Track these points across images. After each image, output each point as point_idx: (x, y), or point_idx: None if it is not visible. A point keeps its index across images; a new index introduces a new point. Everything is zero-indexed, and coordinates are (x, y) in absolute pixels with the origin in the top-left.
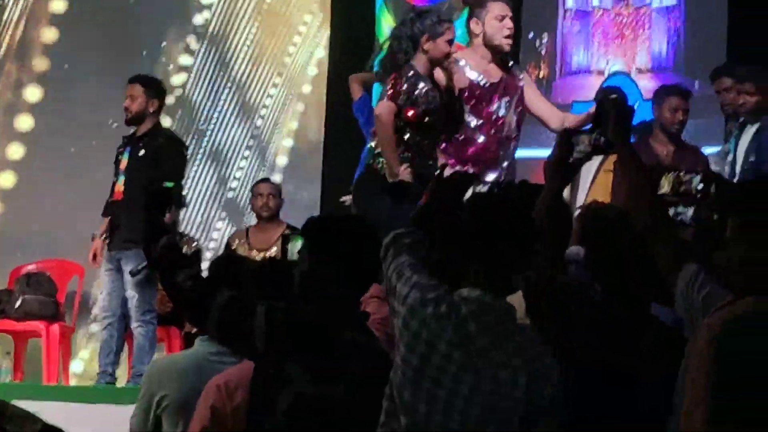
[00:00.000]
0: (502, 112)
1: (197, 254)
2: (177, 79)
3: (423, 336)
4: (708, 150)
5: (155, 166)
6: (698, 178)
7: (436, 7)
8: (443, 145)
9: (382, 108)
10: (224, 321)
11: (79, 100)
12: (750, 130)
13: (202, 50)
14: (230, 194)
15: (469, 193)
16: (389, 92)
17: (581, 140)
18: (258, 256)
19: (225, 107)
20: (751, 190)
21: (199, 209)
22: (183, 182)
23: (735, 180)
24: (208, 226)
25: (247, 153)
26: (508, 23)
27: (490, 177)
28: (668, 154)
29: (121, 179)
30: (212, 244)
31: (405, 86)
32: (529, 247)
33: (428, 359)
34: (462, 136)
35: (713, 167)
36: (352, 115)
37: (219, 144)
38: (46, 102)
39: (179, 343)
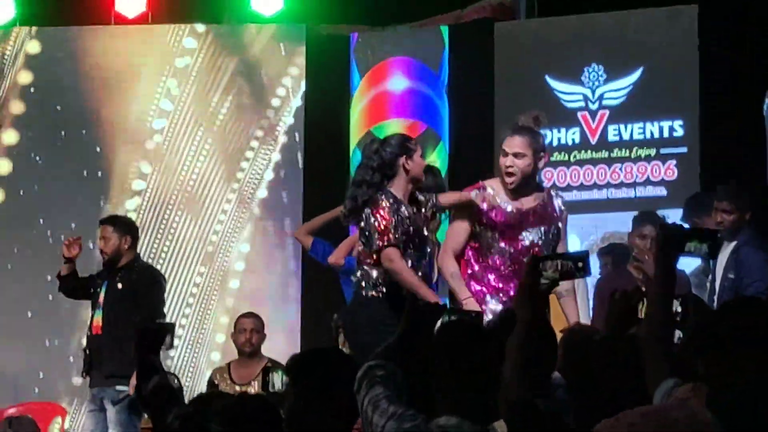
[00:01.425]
0: (533, 240)
1: (180, 391)
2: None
3: None
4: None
5: (133, 300)
6: (677, 302)
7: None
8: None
9: (390, 255)
10: None
11: None
12: (727, 248)
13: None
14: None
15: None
16: (384, 238)
17: (548, 266)
18: (239, 390)
19: None
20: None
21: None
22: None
23: (715, 297)
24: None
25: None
26: (507, 161)
27: None
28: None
29: (99, 314)
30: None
31: (392, 219)
32: (498, 373)
33: None
34: (492, 264)
35: (695, 284)
36: None
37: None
38: None
39: None
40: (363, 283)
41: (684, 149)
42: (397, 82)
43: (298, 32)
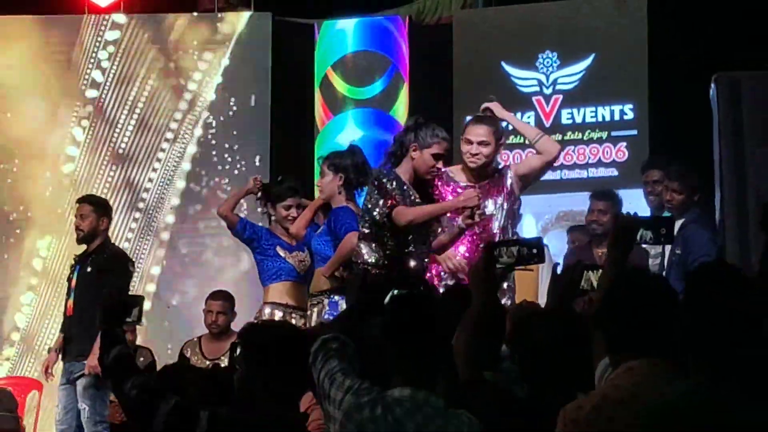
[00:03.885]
0: (489, 210)
1: (152, 365)
2: None
3: None
4: None
5: (99, 283)
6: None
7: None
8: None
9: (399, 212)
10: (168, 427)
11: None
12: (676, 225)
13: None
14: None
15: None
16: (388, 203)
17: (504, 252)
18: (208, 364)
19: None
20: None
21: None
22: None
23: (664, 272)
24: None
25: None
26: (473, 148)
27: None
28: (602, 255)
29: (72, 296)
30: None
31: (391, 185)
32: (448, 344)
33: None
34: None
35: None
36: None
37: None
38: None
39: None
40: (358, 259)
41: (634, 132)
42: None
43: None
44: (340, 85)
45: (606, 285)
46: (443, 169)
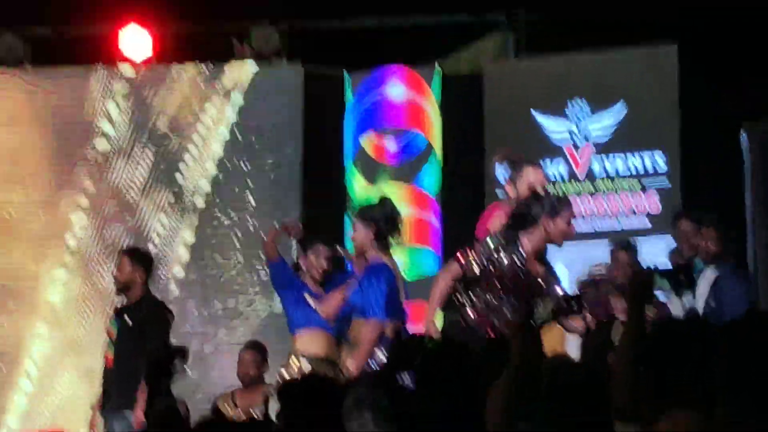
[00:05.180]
0: None
1: (187, 417)
2: None
3: None
4: None
5: (141, 336)
6: None
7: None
8: None
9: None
10: None
11: None
12: (709, 276)
13: None
14: None
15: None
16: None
17: (539, 306)
18: (243, 417)
19: None
20: None
21: None
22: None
23: None
24: None
25: None
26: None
27: None
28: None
29: (111, 349)
30: None
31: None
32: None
33: None
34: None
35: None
36: None
37: None
38: None
39: None
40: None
41: (666, 181)
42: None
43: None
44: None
45: (625, 341)
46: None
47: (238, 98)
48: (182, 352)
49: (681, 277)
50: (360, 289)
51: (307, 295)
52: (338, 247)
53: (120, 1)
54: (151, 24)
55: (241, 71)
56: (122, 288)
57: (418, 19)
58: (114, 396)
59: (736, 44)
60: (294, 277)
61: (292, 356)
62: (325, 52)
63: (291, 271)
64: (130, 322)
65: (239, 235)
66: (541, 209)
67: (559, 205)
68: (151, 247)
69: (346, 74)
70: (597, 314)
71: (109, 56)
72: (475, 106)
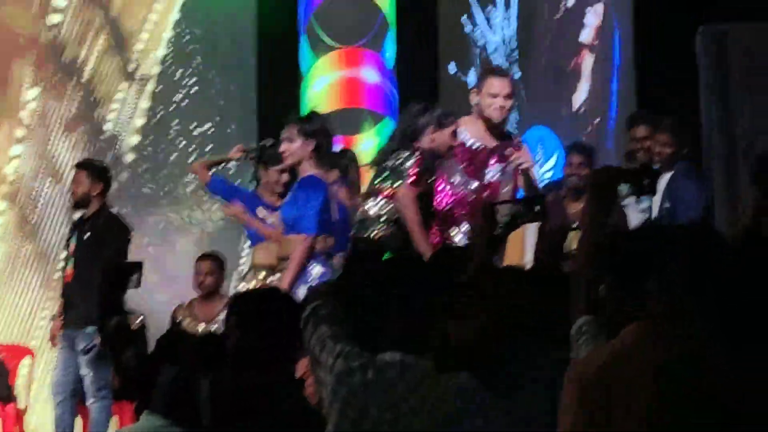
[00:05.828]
0: (495, 177)
1: (142, 330)
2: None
3: (353, 402)
4: None
5: (99, 248)
6: None
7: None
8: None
9: (405, 194)
10: (170, 396)
11: None
12: (664, 178)
13: None
14: None
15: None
16: (412, 178)
17: (502, 212)
18: (203, 327)
19: None
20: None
21: None
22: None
23: None
24: None
25: None
26: (500, 101)
27: None
28: (576, 212)
29: (71, 262)
30: None
31: (423, 167)
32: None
33: (360, 424)
34: (453, 198)
35: (633, 216)
36: None
37: None
38: None
39: (131, 417)
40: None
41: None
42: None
43: None
44: (324, 36)
45: (586, 245)
46: (457, 122)
47: None
48: (138, 266)
49: (645, 181)
50: (294, 203)
51: (261, 208)
52: None
53: None
54: None
55: None
56: (79, 202)
57: None
58: (74, 310)
59: None
60: (238, 189)
61: (251, 269)
62: None
63: (230, 184)
64: (88, 234)
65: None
66: (428, 121)
67: (444, 117)
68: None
69: None
70: (554, 220)
71: None
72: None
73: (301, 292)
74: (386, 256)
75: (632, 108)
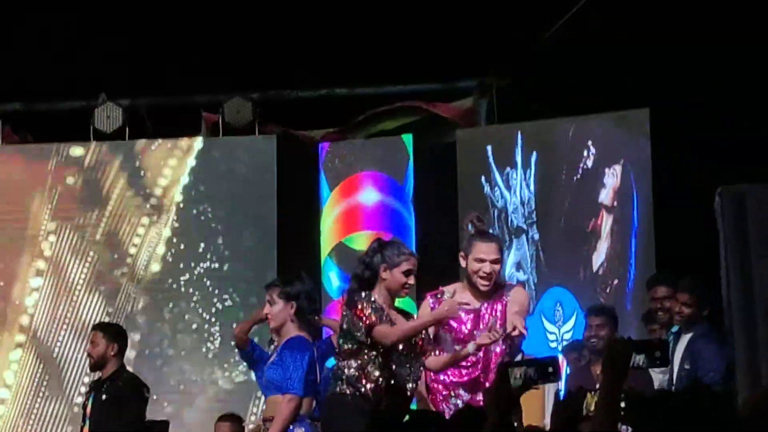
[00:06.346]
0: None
1: None
2: None
3: None
4: None
5: (116, 411)
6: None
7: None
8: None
9: (381, 332)
10: None
11: None
12: (684, 339)
13: None
14: None
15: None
16: (367, 321)
17: (517, 373)
18: None
19: None
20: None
21: None
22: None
23: (673, 388)
24: None
25: None
26: (486, 268)
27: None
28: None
29: (87, 424)
30: None
31: (364, 306)
32: None
33: None
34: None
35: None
36: None
37: None
38: None
39: None
40: (338, 380)
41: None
42: (368, 196)
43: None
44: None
45: (603, 410)
46: (440, 288)
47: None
48: (164, 426)
49: (657, 353)
50: (281, 363)
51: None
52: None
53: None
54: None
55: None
56: (96, 364)
57: (389, 88)
58: None
59: (709, 108)
60: (262, 352)
61: (264, 421)
62: (298, 122)
63: (259, 349)
64: (104, 396)
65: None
66: (379, 259)
67: (399, 256)
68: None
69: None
70: (576, 381)
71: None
72: (449, 170)
73: None
74: (406, 417)
75: (651, 269)
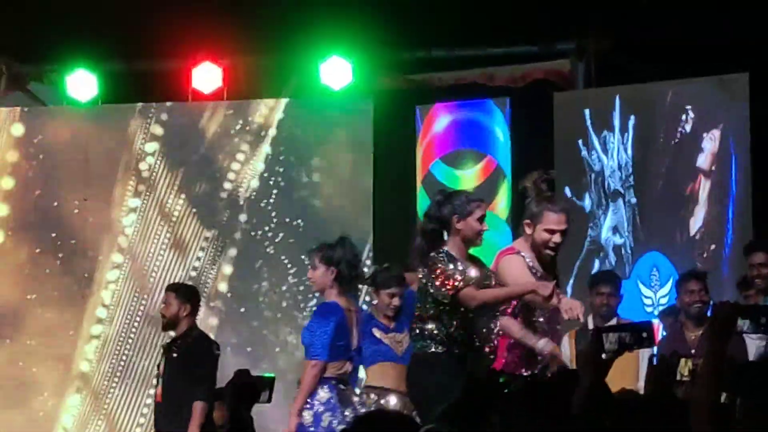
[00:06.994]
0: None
1: None
2: None
3: None
4: None
5: (188, 369)
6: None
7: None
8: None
9: (468, 294)
10: None
11: None
12: None
13: None
14: None
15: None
16: (449, 284)
17: (609, 338)
18: None
19: None
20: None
21: None
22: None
23: None
24: None
25: None
26: (557, 238)
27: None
28: (695, 338)
29: (160, 383)
30: None
31: (447, 266)
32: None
33: None
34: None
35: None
36: None
37: None
38: None
39: None
40: (419, 341)
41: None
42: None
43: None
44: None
45: (707, 373)
46: (515, 248)
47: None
48: (269, 382)
49: (763, 319)
50: (309, 328)
51: (375, 330)
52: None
53: (193, 39)
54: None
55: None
56: (169, 324)
57: (489, 50)
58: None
59: None
60: (361, 313)
61: (365, 391)
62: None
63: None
64: (176, 355)
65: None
66: (449, 210)
67: (469, 205)
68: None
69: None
70: (669, 346)
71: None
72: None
73: (307, 416)
74: (501, 379)
75: (749, 234)
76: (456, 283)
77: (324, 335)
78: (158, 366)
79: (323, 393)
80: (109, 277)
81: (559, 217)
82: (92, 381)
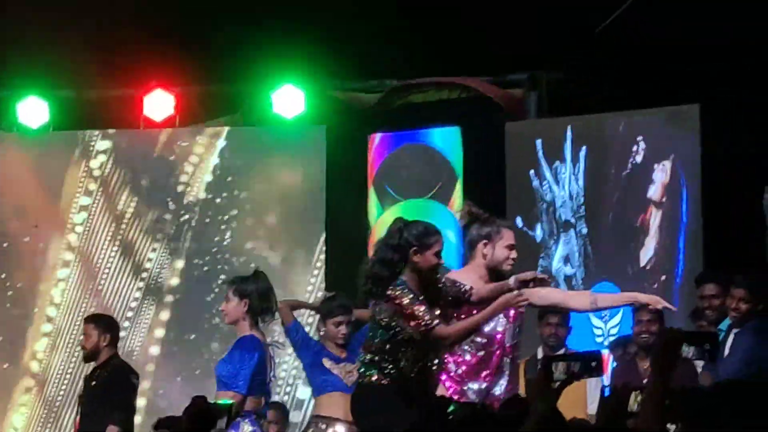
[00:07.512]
0: (498, 328)
1: None
2: None
3: None
4: None
5: (105, 398)
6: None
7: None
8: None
9: (441, 333)
10: None
11: None
12: (734, 334)
13: None
14: None
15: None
16: (420, 323)
17: (558, 367)
18: None
19: None
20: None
21: None
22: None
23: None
24: None
25: None
26: (515, 254)
27: (497, 390)
28: (647, 369)
29: (79, 411)
30: None
31: (412, 302)
32: None
33: None
34: (460, 358)
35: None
36: None
37: None
38: None
39: None
40: (368, 370)
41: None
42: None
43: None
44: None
45: (651, 402)
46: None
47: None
48: (227, 409)
49: (707, 345)
50: (229, 361)
51: (326, 360)
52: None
53: (145, 66)
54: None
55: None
56: (89, 355)
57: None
58: None
59: (758, 104)
60: (309, 339)
61: (314, 420)
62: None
63: (305, 333)
64: (95, 383)
65: None
66: (408, 241)
67: (427, 237)
68: None
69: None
70: (622, 377)
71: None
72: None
73: None
74: (451, 408)
75: (699, 265)
76: (426, 322)
77: (247, 369)
78: (79, 396)
79: (247, 427)
80: (60, 275)
81: (512, 233)
82: (43, 380)
